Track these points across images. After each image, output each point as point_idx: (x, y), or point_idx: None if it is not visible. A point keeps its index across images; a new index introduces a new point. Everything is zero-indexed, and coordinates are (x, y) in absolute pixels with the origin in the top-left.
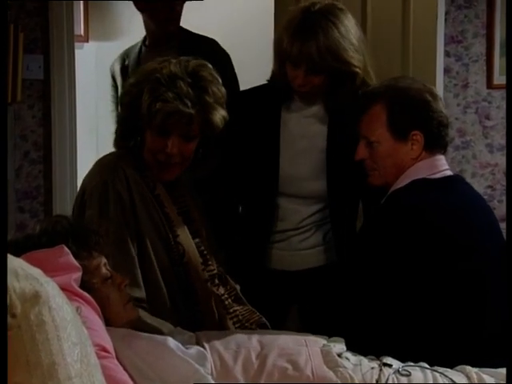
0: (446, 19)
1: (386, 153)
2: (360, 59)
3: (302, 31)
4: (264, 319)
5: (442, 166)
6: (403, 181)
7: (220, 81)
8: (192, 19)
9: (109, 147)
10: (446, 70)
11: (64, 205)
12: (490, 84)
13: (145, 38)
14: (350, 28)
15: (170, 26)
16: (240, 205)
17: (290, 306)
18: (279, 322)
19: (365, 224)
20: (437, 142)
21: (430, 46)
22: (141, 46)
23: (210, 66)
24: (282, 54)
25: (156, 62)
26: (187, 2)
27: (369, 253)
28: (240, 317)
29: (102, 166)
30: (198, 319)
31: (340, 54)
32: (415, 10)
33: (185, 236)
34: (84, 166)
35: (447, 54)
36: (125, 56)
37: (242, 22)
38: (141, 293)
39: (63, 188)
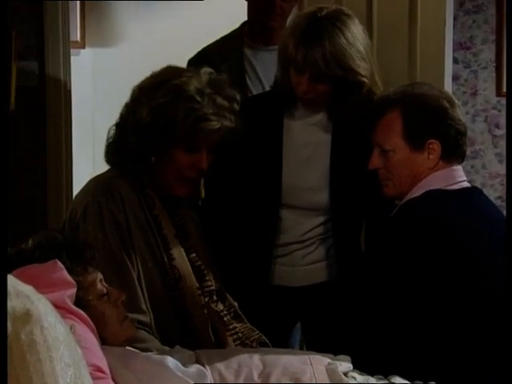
0: (453, 25)
1: (401, 162)
2: (367, 68)
3: (307, 37)
4: (264, 337)
5: (460, 176)
6: (418, 191)
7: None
8: (200, 22)
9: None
10: (454, 77)
11: (59, 217)
12: (499, 91)
13: (241, 33)
14: (357, 35)
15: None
16: (239, 215)
17: (293, 323)
18: (282, 340)
19: (374, 235)
20: (454, 152)
21: (437, 53)
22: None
23: (212, 71)
24: (286, 59)
25: (174, 76)
26: (195, 4)
27: (380, 266)
28: (240, 334)
29: (96, 186)
30: (194, 346)
31: (346, 62)
32: (422, 16)
33: (181, 259)
34: (80, 176)
35: (455, 60)
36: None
37: None
38: (145, 317)
39: (58, 199)
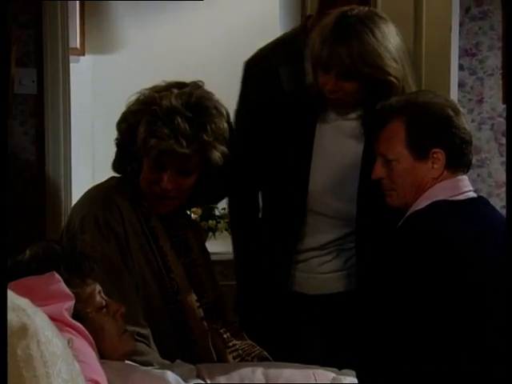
0: (459, 31)
1: (405, 172)
2: (398, 69)
3: (334, 34)
4: (265, 353)
5: (465, 186)
6: (423, 202)
7: (224, 113)
8: (200, 28)
9: (105, 167)
10: (460, 85)
11: (58, 227)
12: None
13: (303, 29)
14: (388, 36)
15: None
16: (263, 217)
17: (311, 331)
18: (296, 346)
19: (380, 248)
20: (459, 161)
21: (443, 60)
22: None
23: (215, 97)
24: (313, 58)
25: (159, 89)
26: (195, 10)
27: (385, 278)
28: (240, 351)
29: (93, 197)
30: (195, 360)
31: (373, 60)
32: (427, 21)
33: (179, 271)
34: (79, 186)
35: (461, 67)
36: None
37: (250, 33)
38: (144, 330)
39: (57, 209)
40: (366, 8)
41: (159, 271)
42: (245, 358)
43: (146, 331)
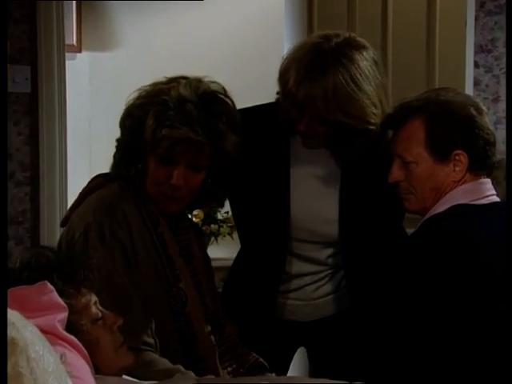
0: (474, 26)
1: (425, 175)
2: (378, 114)
3: (310, 75)
4: (262, 360)
5: (488, 190)
6: (442, 206)
7: (234, 105)
8: (198, 26)
9: (104, 169)
10: (475, 83)
11: (53, 232)
12: None
13: None
14: (367, 73)
15: None
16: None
17: (296, 348)
18: (284, 366)
19: (393, 254)
20: (482, 163)
21: (458, 56)
22: None
23: (222, 87)
24: (285, 93)
25: (163, 82)
26: (196, 10)
27: (402, 288)
28: (234, 365)
29: (97, 204)
30: (201, 375)
31: (352, 110)
32: (441, 16)
33: (187, 281)
34: (76, 188)
35: (476, 64)
36: None
37: (252, 35)
38: (149, 338)
39: (52, 213)
40: (342, 37)
41: (167, 281)
42: (239, 371)
43: (153, 341)
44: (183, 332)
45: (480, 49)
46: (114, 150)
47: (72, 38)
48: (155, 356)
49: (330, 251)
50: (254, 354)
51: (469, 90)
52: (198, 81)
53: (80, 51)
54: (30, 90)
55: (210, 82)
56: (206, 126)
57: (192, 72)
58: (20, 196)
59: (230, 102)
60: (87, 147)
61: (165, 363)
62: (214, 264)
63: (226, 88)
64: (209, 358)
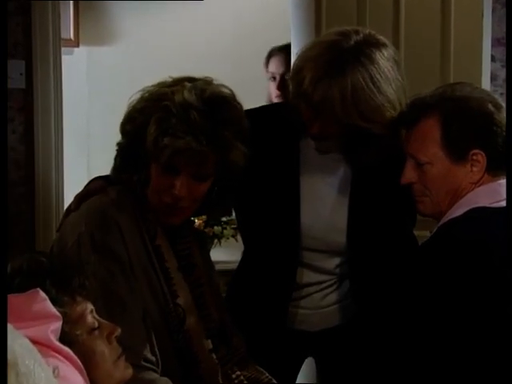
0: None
1: (440, 176)
2: (395, 116)
3: (328, 75)
4: (274, 381)
5: None
6: (459, 209)
7: (243, 111)
8: (197, 20)
9: (102, 169)
10: (492, 78)
11: (48, 234)
12: None
13: None
14: (388, 74)
15: None
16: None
17: (304, 358)
18: (292, 376)
19: (405, 262)
20: (501, 163)
21: (474, 50)
22: None
23: (230, 91)
24: (300, 92)
25: (167, 85)
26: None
27: (416, 296)
28: (245, 382)
29: (90, 213)
30: None
31: (371, 114)
32: (457, 7)
33: (185, 296)
34: (72, 189)
35: (493, 58)
36: None
37: (255, 30)
38: (150, 355)
39: (47, 215)
40: (361, 34)
41: (164, 297)
42: None
43: (154, 358)
44: (183, 351)
45: (497, 42)
46: (112, 148)
47: (69, 33)
48: (156, 376)
49: (337, 260)
50: (267, 374)
51: (485, 85)
52: (204, 84)
53: (78, 46)
54: (25, 85)
55: (218, 86)
56: (210, 135)
57: (191, 67)
58: (14, 197)
59: (237, 108)
60: (85, 145)
61: (166, 383)
62: (217, 267)
63: (231, 88)
64: (210, 378)
